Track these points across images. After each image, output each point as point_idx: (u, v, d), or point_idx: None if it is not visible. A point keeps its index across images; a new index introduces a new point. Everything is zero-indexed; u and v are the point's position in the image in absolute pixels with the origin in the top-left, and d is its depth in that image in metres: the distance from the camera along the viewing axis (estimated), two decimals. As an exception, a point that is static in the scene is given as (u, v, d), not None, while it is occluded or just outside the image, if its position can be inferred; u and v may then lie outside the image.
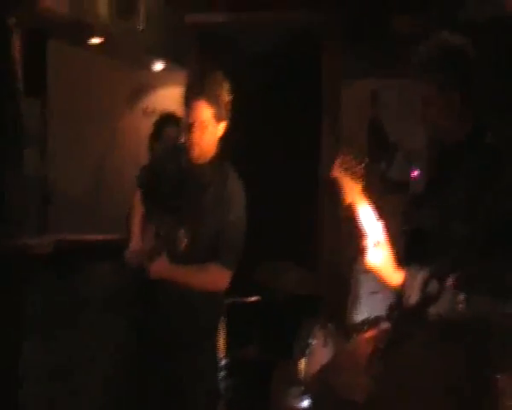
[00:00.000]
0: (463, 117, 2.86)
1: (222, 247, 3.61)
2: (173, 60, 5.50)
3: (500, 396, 1.18)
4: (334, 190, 2.97)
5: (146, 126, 5.00)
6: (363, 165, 2.89)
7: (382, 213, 2.91)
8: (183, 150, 3.80)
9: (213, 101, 3.65)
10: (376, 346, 1.16)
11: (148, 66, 5.36)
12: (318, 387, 1.32)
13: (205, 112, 3.64)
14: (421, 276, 2.30)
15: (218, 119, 3.69)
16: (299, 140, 6.23)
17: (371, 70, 5.74)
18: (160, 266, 3.62)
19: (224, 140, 3.78)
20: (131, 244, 3.78)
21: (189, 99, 3.68)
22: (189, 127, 3.67)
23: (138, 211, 3.90)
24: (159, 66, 5.47)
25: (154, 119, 4.92)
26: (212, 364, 3.91)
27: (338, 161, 2.91)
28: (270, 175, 6.25)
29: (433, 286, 1.20)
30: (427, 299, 1.19)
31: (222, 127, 3.72)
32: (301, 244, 5.82)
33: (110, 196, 4.27)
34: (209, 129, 3.67)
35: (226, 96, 3.72)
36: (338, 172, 2.91)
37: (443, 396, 1.17)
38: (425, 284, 1.20)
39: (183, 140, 3.81)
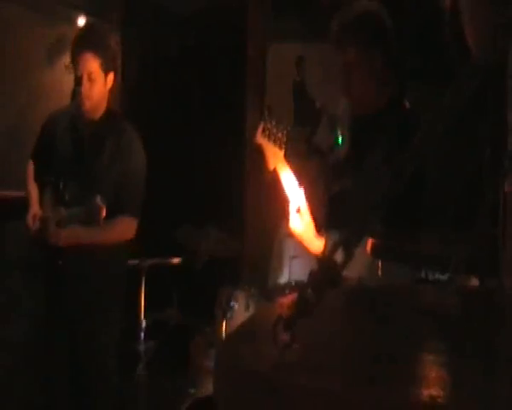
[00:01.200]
0: (383, 85, 2.91)
1: (124, 196, 3.69)
2: (97, 15, 5.41)
3: (415, 366, 1.21)
4: (258, 155, 2.99)
5: (68, 82, 4.92)
6: (285, 131, 2.91)
7: (306, 177, 2.94)
8: (73, 108, 3.83)
9: (99, 51, 3.72)
10: (281, 314, 1.17)
11: (70, 20, 5.25)
12: (225, 353, 1.32)
13: (91, 62, 3.72)
14: (331, 241, 2.34)
15: (106, 69, 3.76)
16: (224, 103, 6.22)
17: (297, 35, 5.76)
18: (70, 233, 3.64)
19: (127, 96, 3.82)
20: (31, 212, 3.80)
21: (76, 52, 3.76)
22: (79, 80, 3.73)
23: (32, 183, 3.92)
24: (81, 20, 5.38)
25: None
26: (115, 329, 3.94)
27: (261, 128, 2.92)
28: (194, 138, 6.24)
29: (340, 254, 1.21)
30: (333, 267, 1.20)
31: (111, 78, 3.80)
32: (224, 207, 5.84)
33: (29, 151, 4.19)
34: (97, 80, 3.74)
35: (113, 46, 3.84)
36: (261, 139, 2.93)
37: (353, 365, 1.19)
38: (332, 251, 1.21)
39: (73, 95, 3.85)
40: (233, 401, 1.16)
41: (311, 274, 2.34)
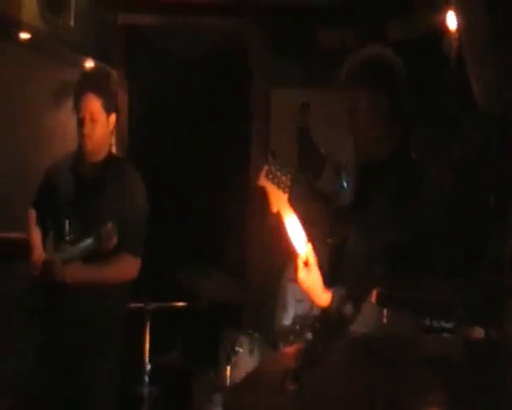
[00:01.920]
0: (389, 131, 2.92)
1: (126, 236, 3.68)
2: (103, 59, 5.47)
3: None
4: (262, 199, 3.00)
5: (74, 125, 4.97)
6: (289, 175, 2.91)
7: (309, 223, 2.95)
8: (76, 152, 3.88)
9: (101, 92, 3.78)
10: (291, 364, 1.18)
11: (77, 64, 5.30)
12: (234, 403, 1.33)
13: (93, 103, 3.77)
14: (338, 296, 2.35)
15: (108, 110, 3.81)
16: (229, 147, 6.26)
17: (302, 80, 5.81)
18: (75, 269, 3.65)
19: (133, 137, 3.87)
20: (34, 254, 3.81)
21: (79, 94, 3.82)
22: (81, 122, 3.79)
23: (35, 229, 3.94)
24: (89, 64, 5.43)
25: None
26: (116, 373, 3.94)
27: (264, 170, 2.93)
28: (200, 181, 6.27)
29: (349, 307, 1.23)
30: (342, 320, 1.22)
31: (113, 119, 3.85)
32: (228, 251, 5.85)
33: (33, 195, 4.22)
34: (100, 121, 3.79)
35: (114, 88, 3.89)
36: (264, 181, 2.93)
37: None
38: (341, 304, 1.23)
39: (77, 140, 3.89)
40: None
41: (317, 323, 2.36)
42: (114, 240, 3.56)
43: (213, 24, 6.04)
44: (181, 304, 4.63)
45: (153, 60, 6.30)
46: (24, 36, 4.91)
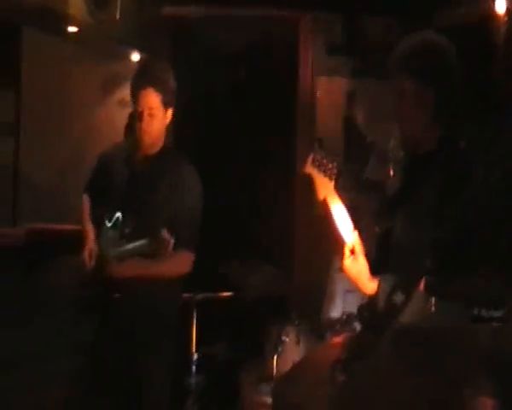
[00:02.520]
0: (436, 119, 2.89)
1: (181, 231, 3.65)
2: (149, 51, 5.49)
3: None
4: (308, 187, 2.99)
5: (122, 117, 5.00)
6: (335, 163, 2.90)
7: (357, 213, 2.93)
8: (131, 141, 3.88)
9: (160, 88, 3.74)
10: (339, 356, 1.17)
11: (123, 56, 5.35)
12: (281, 392, 1.33)
13: (153, 99, 3.73)
14: (389, 283, 2.33)
15: (166, 105, 3.79)
16: (275, 137, 6.26)
17: (347, 70, 5.79)
18: (131, 266, 3.67)
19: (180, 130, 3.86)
20: (86, 248, 3.82)
21: (137, 88, 3.77)
22: (139, 116, 3.74)
23: (87, 217, 3.96)
24: (135, 57, 5.46)
25: (129, 110, 4.92)
26: (171, 362, 3.95)
27: (311, 158, 2.92)
28: (246, 172, 6.27)
29: (399, 297, 1.22)
30: (393, 309, 1.21)
31: (169, 114, 3.83)
32: (275, 242, 5.86)
33: (81, 187, 4.26)
34: (158, 116, 3.76)
35: (172, 83, 3.84)
36: (311, 169, 2.91)
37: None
38: (391, 293, 1.21)
39: (133, 129, 3.88)
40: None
41: (364, 312, 2.33)
42: (170, 247, 3.55)
43: (261, 15, 6.02)
44: (228, 295, 4.63)
45: (198, 51, 6.31)
46: (71, 30, 4.95)
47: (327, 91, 5.90)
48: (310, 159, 2.93)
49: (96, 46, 5.25)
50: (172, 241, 3.52)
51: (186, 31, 6.20)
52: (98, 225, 3.91)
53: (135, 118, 3.82)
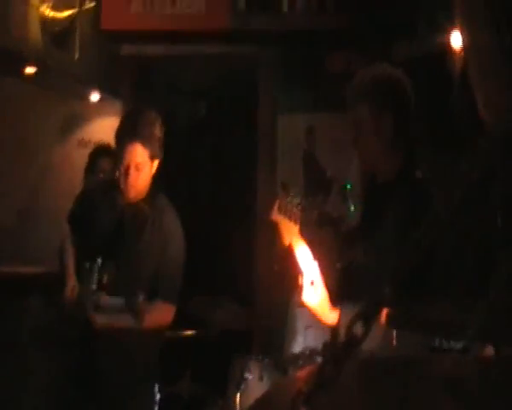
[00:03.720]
0: (395, 148, 2.92)
1: (163, 282, 3.62)
2: (109, 91, 5.49)
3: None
4: (271, 229, 3.01)
5: (81, 158, 4.98)
6: (299, 207, 2.93)
7: (318, 248, 2.95)
8: (117, 190, 3.79)
9: (148, 142, 3.66)
10: (300, 389, 1.17)
11: (83, 96, 5.34)
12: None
13: (141, 154, 3.65)
14: (349, 314, 2.34)
15: (153, 158, 3.71)
16: (236, 173, 6.27)
17: (306, 105, 5.82)
18: (107, 319, 3.61)
19: (158, 175, 3.79)
20: (68, 285, 3.76)
21: (123, 142, 3.68)
22: (125, 170, 3.66)
23: (70, 249, 3.89)
24: (94, 96, 5.46)
25: (88, 150, 4.90)
26: (149, 404, 3.91)
27: (276, 205, 2.95)
28: (206, 211, 6.27)
29: (359, 328, 1.22)
30: (353, 340, 1.21)
31: (156, 164, 3.75)
32: (236, 280, 5.85)
33: (42, 228, 4.24)
34: (145, 169, 3.69)
35: (160, 134, 3.75)
36: (277, 216, 2.95)
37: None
38: (351, 324, 1.21)
39: (117, 180, 3.77)
40: None
41: (328, 347, 2.33)
42: (143, 314, 3.51)
43: (220, 52, 6.03)
44: (190, 333, 4.61)
45: (159, 89, 6.31)
46: (29, 70, 4.93)
47: (287, 128, 5.93)
48: (275, 206, 2.97)
49: (54, 86, 5.23)
50: (146, 308, 3.49)
51: (145, 69, 6.21)
52: (78, 262, 3.85)
53: (120, 170, 3.70)
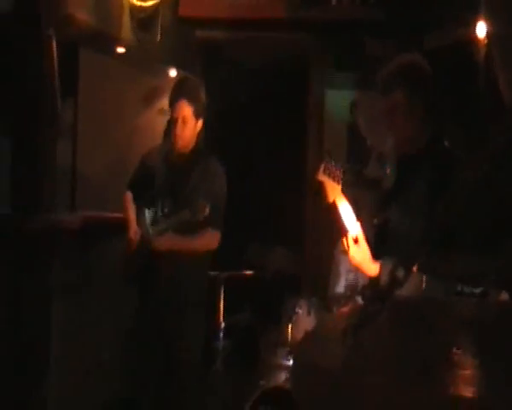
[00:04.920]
0: (425, 125, 2.91)
1: (209, 213, 3.69)
2: (184, 68, 5.51)
3: (455, 367, 1.24)
4: (319, 191, 3.04)
5: (161, 123, 5.04)
6: (341, 169, 2.95)
7: (358, 207, 2.97)
8: (167, 144, 3.94)
9: (192, 100, 3.82)
10: (349, 322, 1.20)
11: (163, 73, 5.37)
12: (300, 353, 1.36)
13: (186, 109, 3.81)
14: (390, 264, 2.36)
15: (197, 115, 3.86)
16: (289, 143, 6.28)
17: (350, 84, 5.80)
18: (168, 239, 3.71)
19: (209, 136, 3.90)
20: (130, 230, 3.86)
21: (174, 100, 3.87)
22: (174, 122, 3.84)
23: (131, 208, 3.97)
24: (172, 73, 5.48)
25: (167, 118, 4.94)
26: (200, 329, 3.99)
27: (322, 167, 2.97)
28: (265, 174, 6.31)
29: (400, 273, 1.25)
30: (395, 283, 1.24)
31: (200, 123, 3.88)
32: (288, 231, 5.88)
33: (126, 182, 4.31)
34: (189, 124, 3.83)
35: (203, 97, 3.92)
36: (322, 176, 2.97)
37: (406, 366, 1.22)
38: (394, 270, 1.24)
39: (169, 133, 3.94)
40: (308, 394, 1.20)
41: (367, 289, 2.36)
42: (207, 211, 3.60)
43: (279, 37, 6.03)
44: (249, 273, 4.66)
45: (225, 68, 6.33)
46: (120, 50, 4.99)
47: (333, 102, 5.92)
48: (321, 168, 2.99)
49: (140, 64, 5.28)
50: (208, 207, 3.57)
51: (215, 50, 6.23)
52: (140, 211, 3.95)
53: (171, 124, 3.88)
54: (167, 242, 3.72)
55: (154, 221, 3.83)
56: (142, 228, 3.84)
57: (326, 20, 5.63)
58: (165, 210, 3.81)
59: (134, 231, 3.85)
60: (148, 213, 3.88)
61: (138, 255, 3.82)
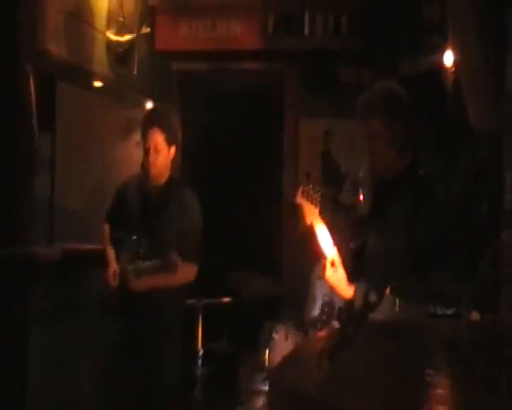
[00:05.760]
0: (403, 150, 2.92)
1: (185, 246, 3.69)
2: (161, 100, 5.52)
3: (428, 387, 1.23)
4: (297, 214, 3.04)
5: (139, 155, 5.02)
6: (319, 193, 2.95)
7: (334, 230, 2.97)
8: (143, 176, 3.90)
9: (164, 128, 3.81)
10: (326, 345, 1.20)
11: (139, 104, 5.37)
12: (277, 378, 1.35)
13: (158, 137, 3.80)
14: (363, 287, 2.36)
15: (169, 143, 3.85)
16: (265, 170, 6.29)
17: (324, 112, 5.84)
18: (145, 281, 3.70)
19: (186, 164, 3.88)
20: (110, 269, 3.84)
21: (145, 129, 3.86)
22: (147, 151, 3.82)
23: (108, 243, 3.97)
24: (149, 104, 5.49)
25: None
26: (177, 357, 3.96)
27: (300, 190, 2.98)
28: (242, 198, 6.30)
29: (373, 297, 1.25)
30: (369, 307, 1.24)
31: (173, 150, 3.86)
32: (266, 256, 5.88)
33: (104, 211, 4.29)
34: (162, 151, 3.81)
35: (175, 124, 3.92)
36: (300, 199, 2.98)
37: (381, 387, 1.22)
38: (366, 294, 1.25)
39: (143, 163, 3.93)
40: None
41: (343, 313, 2.35)
42: (178, 266, 3.58)
43: (254, 67, 6.10)
44: (227, 300, 4.65)
45: (200, 98, 6.34)
46: (97, 84, 4.99)
47: (308, 130, 5.96)
48: (299, 191, 2.99)
49: (117, 96, 5.28)
50: (180, 262, 3.55)
51: (191, 81, 6.25)
52: (117, 247, 3.93)
53: (144, 153, 3.87)
54: (145, 283, 3.71)
55: (131, 259, 3.79)
56: (120, 264, 3.81)
57: (299, 50, 5.67)
58: (141, 250, 3.77)
59: (113, 269, 3.81)
60: (125, 251, 3.84)
61: (116, 290, 3.79)
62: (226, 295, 4.66)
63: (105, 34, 4.99)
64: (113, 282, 3.77)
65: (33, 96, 3.86)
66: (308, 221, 2.95)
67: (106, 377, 4.47)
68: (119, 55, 5.15)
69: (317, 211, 2.94)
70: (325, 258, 2.86)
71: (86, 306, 4.63)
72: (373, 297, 1.22)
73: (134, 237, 3.78)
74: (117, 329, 3.99)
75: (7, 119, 3.85)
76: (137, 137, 5.24)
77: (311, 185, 2.98)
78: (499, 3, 2.82)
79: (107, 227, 4.04)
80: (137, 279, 3.68)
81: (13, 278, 3.88)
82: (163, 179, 3.92)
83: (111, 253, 3.90)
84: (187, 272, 3.81)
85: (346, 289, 2.81)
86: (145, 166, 3.89)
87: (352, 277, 2.83)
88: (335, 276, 2.84)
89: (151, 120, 3.89)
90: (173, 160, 3.96)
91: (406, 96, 2.96)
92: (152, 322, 3.83)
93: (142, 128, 3.91)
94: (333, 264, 2.84)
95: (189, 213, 3.85)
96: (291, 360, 1.54)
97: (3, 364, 3.86)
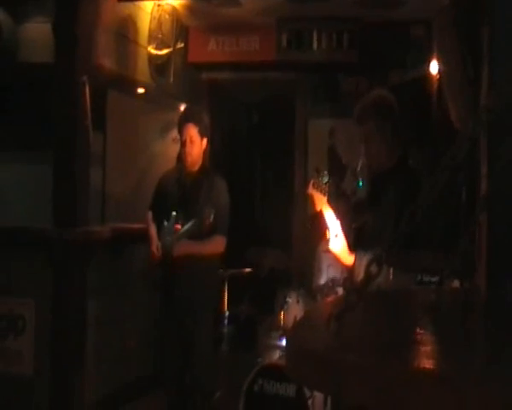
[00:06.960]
0: (393, 148, 2.93)
1: (217, 222, 3.70)
2: (192, 103, 5.54)
3: (418, 344, 1.25)
4: (308, 202, 3.07)
5: (174, 150, 5.06)
6: (327, 183, 2.99)
7: (338, 213, 3.00)
8: (180, 164, 3.93)
9: (196, 122, 3.83)
10: (333, 310, 1.22)
11: (175, 107, 5.39)
12: (292, 337, 1.37)
13: (192, 130, 3.81)
14: (365, 259, 2.39)
15: (202, 135, 3.86)
16: (279, 164, 6.31)
17: (328, 114, 5.88)
18: (183, 245, 3.70)
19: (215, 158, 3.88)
20: (152, 244, 3.83)
21: (181, 125, 3.88)
22: (183, 143, 3.84)
23: (151, 225, 3.95)
24: (182, 107, 5.51)
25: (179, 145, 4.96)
26: (210, 319, 3.98)
27: (311, 182, 3.02)
28: (259, 189, 6.34)
29: (374, 268, 1.27)
30: (370, 276, 1.26)
31: (205, 142, 3.88)
32: (280, 235, 5.91)
33: (147, 197, 4.33)
34: (196, 142, 3.82)
35: (206, 120, 3.96)
36: (311, 190, 3.02)
37: (378, 345, 1.24)
38: (368, 265, 1.27)
39: (180, 154, 3.96)
40: (300, 371, 1.20)
41: (346, 281, 2.35)
42: (211, 219, 3.60)
43: (270, 76, 6.09)
44: (248, 270, 4.67)
45: (226, 103, 6.35)
46: (140, 91, 5.02)
47: (315, 129, 5.98)
48: (311, 183, 3.05)
49: (156, 101, 5.31)
50: (213, 214, 3.57)
51: (218, 89, 6.26)
52: (160, 225, 3.93)
53: (181, 145, 3.88)
54: (183, 247, 3.71)
55: (171, 231, 3.79)
56: (162, 239, 3.81)
57: (308, 62, 5.68)
58: (180, 222, 3.79)
59: (155, 245, 3.82)
60: (166, 226, 3.84)
61: (160, 263, 3.81)
62: (247, 267, 4.68)
63: (147, 49, 5.02)
64: (158, 254, 3.78)
65: (88, 102, 3.89)
66: (318, 208, 3.00)
67: (153, 336, 4.52)
68: (159, 66, 5.18)
69: (325, 199, 2.98)
70: (330, 231, 2.90)
71: (133, 276, 4.69)
72: (374, 269, 1.24)
73: (173, 213, 3.78)
74: (161, 296, 4.00)
75: (67, 121, 3.89)
76: (173, 135, 5.30)
77: (320, 178, 3.02)
78: (478, 18, 2.81)
79: (150, 214, 4.03)
80: (176, 245, 3.68)
81: (72, 252, 3.93)
82: (197, 167, 3.92)
83: (154, 233, 3.91)
84: (219, 242, 3.83)
85: (348, 258, 2.85)
86: (182, 156, 3.90)
87: (352, 248, 2.87)
88: (338, 245, 2.88)
89: (186, 117, 3.91)
90: (205, 150, 3.96)
91: (395, 101, 2.97)
92: (190, 290, 3.84)
93: (178, 124, 3.92)
94: (336, 236, 2.88)
95: (218, 195, 3.87)
96: (303, 321, 1.57)
97: (65, 326, 3.91)
